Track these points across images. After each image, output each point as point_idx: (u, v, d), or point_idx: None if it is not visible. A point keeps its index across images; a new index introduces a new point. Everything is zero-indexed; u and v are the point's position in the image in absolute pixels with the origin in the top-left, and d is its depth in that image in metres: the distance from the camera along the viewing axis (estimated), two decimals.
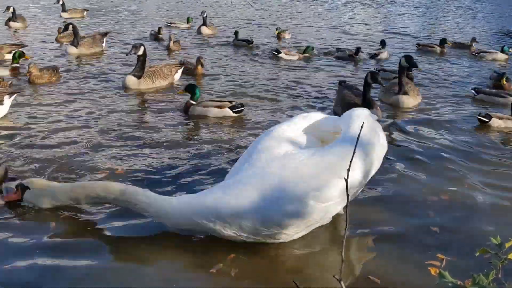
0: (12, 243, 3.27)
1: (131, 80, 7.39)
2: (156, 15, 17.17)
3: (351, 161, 2.13)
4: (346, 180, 2.35)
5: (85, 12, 16.23)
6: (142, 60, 7.39)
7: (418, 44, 13.20)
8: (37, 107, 6.34)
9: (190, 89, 6.43)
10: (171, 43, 10.55)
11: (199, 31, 13.62)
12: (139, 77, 7.43)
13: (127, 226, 3.57)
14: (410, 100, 7.07)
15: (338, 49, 11.46)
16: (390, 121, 6.59)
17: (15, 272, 2.99)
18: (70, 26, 10.25)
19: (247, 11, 20.88)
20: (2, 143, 5.09)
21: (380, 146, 3.74)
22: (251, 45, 11.68)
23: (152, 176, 4.40)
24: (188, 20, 15.05)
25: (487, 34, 17.84)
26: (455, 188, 4.54)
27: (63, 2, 15.69)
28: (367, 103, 6.09)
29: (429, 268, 3.24)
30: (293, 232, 3.28)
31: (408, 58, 6.91)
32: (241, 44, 11.82)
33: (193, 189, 4.09)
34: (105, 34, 10.67)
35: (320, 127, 4.01)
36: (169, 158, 4.87)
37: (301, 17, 21.04)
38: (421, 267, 3.26)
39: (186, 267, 3.20)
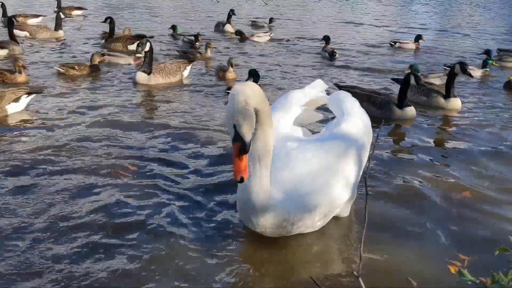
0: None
1: (142, 76, 7.50)
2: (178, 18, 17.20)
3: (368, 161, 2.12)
4: (365, 178, 2.38)
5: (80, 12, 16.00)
6: (149, 56, 7.52)
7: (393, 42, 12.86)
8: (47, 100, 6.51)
9: (254, 74, 7.31)
10: (208, 52, 9.76)
11: (220, 29, 13.70)
12: (149, 73, 7.54)
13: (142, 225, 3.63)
14: (460, 103, 7.01)
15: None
16: (439, 123, 6.61)
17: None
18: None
19: (263, 8, 20.86)
20: (21, 133, 5.25)
21: (369, 133, 3.88)
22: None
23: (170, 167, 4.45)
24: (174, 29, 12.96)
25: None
26: (479, 187, 4.50)
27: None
28: (402, 102, 6.49)
29: (448, 266, 3.22)
30: (310, 223, 3.33)
31: (462, 65, 6.82)
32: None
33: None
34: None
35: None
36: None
37: (311, 13, 20.93)
38: (441, 265, 3.24)
39: (204, 264, 3.21)
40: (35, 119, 5.78)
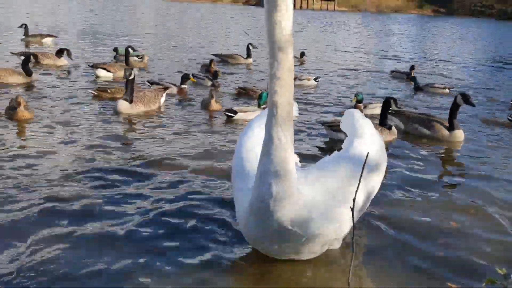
0: None
1: (124, 105, 7.42)
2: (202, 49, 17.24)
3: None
4: (352, 210, 2.29)
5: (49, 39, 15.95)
6: (131, 84, 7.48)
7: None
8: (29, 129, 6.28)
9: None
10: (212, 102, 7.92)
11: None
12: (130, 101, 7.49)
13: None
14: (463, 135, 6.86)
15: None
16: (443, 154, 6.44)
17: None
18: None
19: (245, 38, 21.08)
20: None
21: (385, 162, 3.68)
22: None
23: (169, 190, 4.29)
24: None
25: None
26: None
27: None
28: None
29: None
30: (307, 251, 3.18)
31: (464, 96, 6.73)
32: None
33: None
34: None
35: None
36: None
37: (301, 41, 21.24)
38: None
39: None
40: (12, 148, 5.56)
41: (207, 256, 3.44)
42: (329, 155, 3.72)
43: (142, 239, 3.63)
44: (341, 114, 5.71)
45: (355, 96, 8.28)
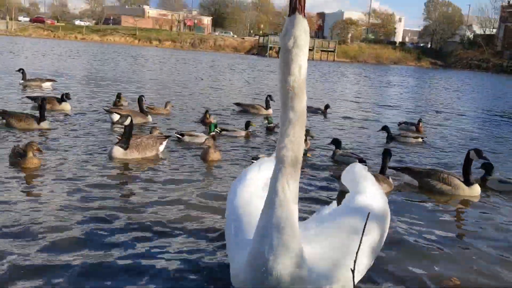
0: None
1: (119, 151, 7.36)
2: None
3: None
4: (353, 271, 2.22)
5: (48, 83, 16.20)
6: (128, 130, 7.43)
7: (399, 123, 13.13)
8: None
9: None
10: (211, 152, 7.73)
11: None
12: (125, 148, 7.43)
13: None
14: (479, 189, 6.84)
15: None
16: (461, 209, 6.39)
17: None
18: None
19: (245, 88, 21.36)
20: None
21: (388, 218, 3.58)
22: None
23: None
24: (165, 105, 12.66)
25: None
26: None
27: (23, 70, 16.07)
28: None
29: None
30: None
31: (477, 151, 6.76)
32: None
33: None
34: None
35: None
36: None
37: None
38: None
39: None
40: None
41: None
42: (327, 206, 3.66)
43: None
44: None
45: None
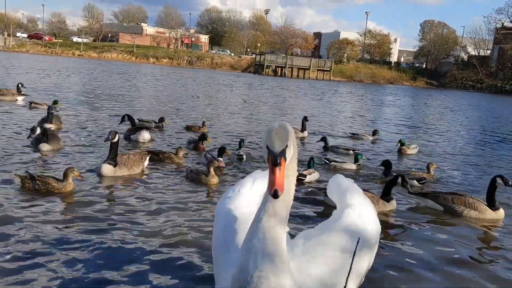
0: None
1: (108, 169, 7.25)
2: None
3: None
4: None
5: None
6: (115, 148, 7.36)
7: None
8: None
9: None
10: (210, 176, 7.37)
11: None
12: (114, 165, 7.34)
13: None
14: (503, 213, 6.85)
15: None
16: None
17: None
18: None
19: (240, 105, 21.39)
20: None
21: (378, 232, 3.46)
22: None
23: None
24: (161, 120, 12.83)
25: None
26: None
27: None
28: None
29: None
30: None
31: (503, 179, 6.79)
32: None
33: None
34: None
35: None
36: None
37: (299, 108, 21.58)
38: None
39: None
40: None
41: None
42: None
43: None
44: None
45: (398, 142, 11.03)
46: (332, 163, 9.30)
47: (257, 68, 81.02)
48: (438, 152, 12.75)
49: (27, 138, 9.08)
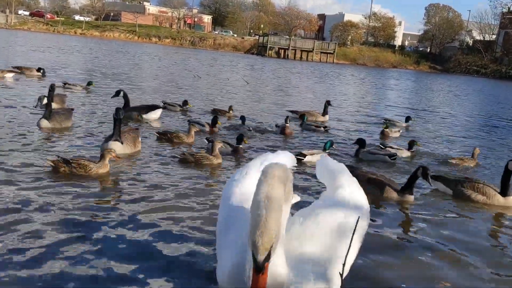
0: None
1: (117, 146, 7.19)
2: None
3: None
4: (341, 275, 2.19)
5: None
6: (119, 124, 7.35)
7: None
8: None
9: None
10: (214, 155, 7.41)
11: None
12: (122, 142, 7.35)
13: None
14: None
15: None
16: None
17: None
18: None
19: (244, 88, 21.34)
20: None
21: (368, 214, 3.48)
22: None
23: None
24: (88, 84, 14.74)
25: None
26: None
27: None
28: (409, 189, 6.36)
29: None
30: None
31: None
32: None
33: None
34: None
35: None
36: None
37: (297, 91, 21.52)
38: None
39: None
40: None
41: None
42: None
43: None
44: None
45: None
46: (387, 149, 9.37)
47: (260, 50, 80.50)
48: (446, 135, 12.75)
49: (34, 106, 9.22)
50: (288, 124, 10.38)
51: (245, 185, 3.45)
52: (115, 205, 5.20)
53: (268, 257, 2.47)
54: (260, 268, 2.45)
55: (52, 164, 6.14)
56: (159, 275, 3.72)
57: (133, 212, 5.01)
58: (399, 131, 12.05)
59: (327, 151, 8.58)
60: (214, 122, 9.86)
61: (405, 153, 9.34)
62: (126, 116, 10.10)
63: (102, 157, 6.32)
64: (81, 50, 37.20)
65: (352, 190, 3.48)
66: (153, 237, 4.42)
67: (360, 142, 8.88)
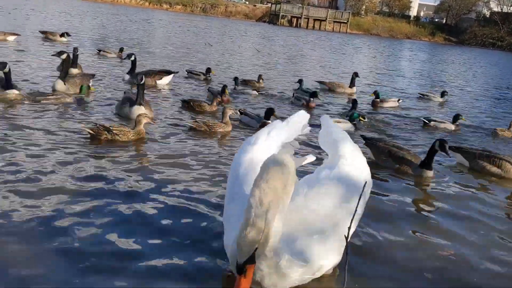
0: None
1: (140, 109, 7.28)
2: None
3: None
4: (347, 238, 2.26)
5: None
6: (142, 89, 7.51)
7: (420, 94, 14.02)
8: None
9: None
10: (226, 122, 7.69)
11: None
12: (144, 106, 7.52)
13: None
14: None
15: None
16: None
17: None
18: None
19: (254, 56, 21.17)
20: None
21: (370, 184, 3.51)
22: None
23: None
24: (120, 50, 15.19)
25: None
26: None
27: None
28: (428, 164, 6.24)
29: None
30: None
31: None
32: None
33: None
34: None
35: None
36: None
37: (307, 60, 21.32)
38: None
39: None
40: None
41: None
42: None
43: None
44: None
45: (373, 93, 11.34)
46: (432, 122, 9.44)
47: (272, 18, 79.18)
48: (462, 105, 12.66)
49: (52, 55, 9.63)
50: (312, 99, 10.21)
51: (251, 155, 3.48)
52: (136, 171, 5.32)
53: (250, 260, 2.52)
54: (240, 269, 2.51)
55: (91, 132, 6.14)
56: (164, 245, 3.75)
57: (143, 180, 5.12)
58: (396, 100, 11.96)
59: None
60: (222, 91, 9.67)
61: (449, 126, 9.46)
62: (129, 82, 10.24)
63: (138, 122, 6.37)
64: (93, 16, 36.91)
65: (354, 159, 3.48)
66: (165, 209, 4.42)
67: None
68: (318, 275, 3.09)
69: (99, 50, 14.97)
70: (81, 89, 8.31)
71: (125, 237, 3.71)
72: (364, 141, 6.84)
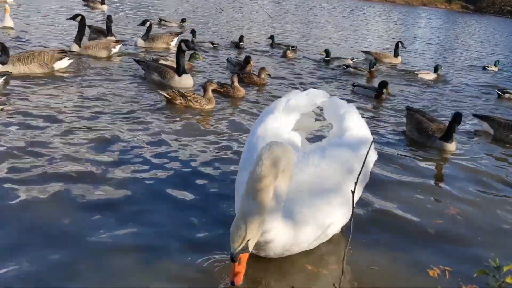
0: None
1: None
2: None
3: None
4: (353, 193, 2.39)
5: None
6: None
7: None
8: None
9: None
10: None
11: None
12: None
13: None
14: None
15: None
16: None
17: None
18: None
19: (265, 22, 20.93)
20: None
21: (373, 151, 3.59)
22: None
23: None
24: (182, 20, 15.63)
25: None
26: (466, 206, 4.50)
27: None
28: (447, 137, 6.11)
29: (428, 270, 3.29)
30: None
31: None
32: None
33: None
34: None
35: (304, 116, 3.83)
36: None
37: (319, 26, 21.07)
38: (422, 272, 3.30)
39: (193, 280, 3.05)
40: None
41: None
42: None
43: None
44: None
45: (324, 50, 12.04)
46: (506, 95, 9.71)
47: None
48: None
49: (67, 18, 9.78)
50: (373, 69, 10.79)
51: (267, 124, 3.52)
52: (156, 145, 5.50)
53: (245, 249, 2.62)
54: (233, 258, 2.61)
55: (167, 96, 6.50)
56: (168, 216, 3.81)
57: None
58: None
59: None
60: (246, 62, 9.41)
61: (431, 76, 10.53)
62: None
63: (205, 90, 6.63)
64: None
65: (360, 129, 3.58)
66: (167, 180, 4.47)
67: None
68: (325, 238, 3.25)
69: (160, 20, 15.45)
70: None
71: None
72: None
